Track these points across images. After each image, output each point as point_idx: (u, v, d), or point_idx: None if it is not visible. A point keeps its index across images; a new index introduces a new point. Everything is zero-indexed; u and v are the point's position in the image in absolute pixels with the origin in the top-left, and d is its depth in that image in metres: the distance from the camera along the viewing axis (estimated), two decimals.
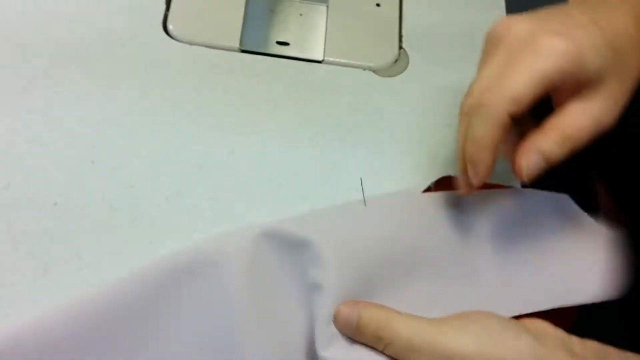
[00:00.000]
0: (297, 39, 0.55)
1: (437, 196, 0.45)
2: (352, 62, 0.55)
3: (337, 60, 0.55)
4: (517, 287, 0.43)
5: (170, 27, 0.54)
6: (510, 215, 0.46)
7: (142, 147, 0.48)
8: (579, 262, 0.45)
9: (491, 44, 0.39)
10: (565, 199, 0.49)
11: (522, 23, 0.37)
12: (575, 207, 0.49)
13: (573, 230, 0.47)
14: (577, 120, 0.37)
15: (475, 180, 0.39)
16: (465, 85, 0.53)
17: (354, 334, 0.37)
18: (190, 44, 0.53)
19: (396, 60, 0.56)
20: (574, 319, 0.43)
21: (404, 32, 0.58)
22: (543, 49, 0.36)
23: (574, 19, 0.37)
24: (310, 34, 0.56)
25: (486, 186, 0.47)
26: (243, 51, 0.54)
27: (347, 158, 0.49)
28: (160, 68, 0.52)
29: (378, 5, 0.58)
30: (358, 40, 0.56)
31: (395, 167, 0.50)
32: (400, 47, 0.57)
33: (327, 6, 0.57)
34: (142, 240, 0.44)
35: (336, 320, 0.38)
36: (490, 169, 0.38)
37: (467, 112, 0.39)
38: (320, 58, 0.55)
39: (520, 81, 0.35)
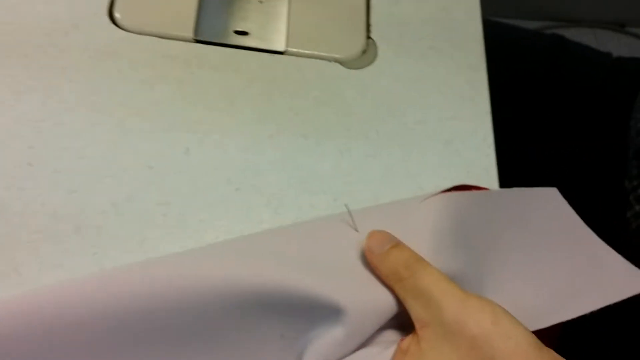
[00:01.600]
0: (257, 28, 0.51)
1: (431, 204, 0.41)
2: (316, 53, 0.51)
3: (301, 51, 0.51)
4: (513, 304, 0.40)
5: (117, 15, 0.49)
6: (501, 220, 0.43)
7: (86, 148, 0.43)
8: (572, 272, 0.43)
9: None
10: (553, 194, 0.47)
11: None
12: (564, 204, 0.46)
13: (563, 232, 0.44)
14: None
15: None
16: (437, 77, 0.50)
17: (383, 255, 0.35)
18: (140, 33, 0.49)
19: (364, 51, 0.52)
20: (557, 335, 0.41)
21: (372, 21, 0.54)
22: None
23: None
24: (271, 22, 0.52)
25: (465, 188, 0.44)
26: (198, 41, 0.50)
27: (312, 156, 0.46)
28: (107, 60, 0.47)
29: None
30: (323, 30, 0.53)
31: (364, 165, 0.46)
32: (368, 37, 0.53)
33: None
34: (87, 251, 0.40)
35: (372, 236, 0.36)
36: None
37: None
38: (282, 49, 0.51)
39: None
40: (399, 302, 0.35)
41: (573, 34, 1.63)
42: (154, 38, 0.49)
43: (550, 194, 0.46)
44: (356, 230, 0.40)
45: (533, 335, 0.32)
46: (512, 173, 0.52)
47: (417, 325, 0.33)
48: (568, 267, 0.42)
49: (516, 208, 0.43)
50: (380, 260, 0.35)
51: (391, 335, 0.36)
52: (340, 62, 0.51)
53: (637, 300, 0.41)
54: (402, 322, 0.36)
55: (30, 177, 0.42)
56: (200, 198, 0.43)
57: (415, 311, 0.33)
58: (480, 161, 0.48)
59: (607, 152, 0.68)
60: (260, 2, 0.53)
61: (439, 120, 0.49)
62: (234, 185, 0.44)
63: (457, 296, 0.32)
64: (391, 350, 0.34)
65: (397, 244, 0.36)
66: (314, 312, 0.35)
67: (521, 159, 0.69)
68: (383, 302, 0.35)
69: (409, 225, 0.39)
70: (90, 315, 0.33)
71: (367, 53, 0.52)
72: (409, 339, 0.34)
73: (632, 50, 1.66)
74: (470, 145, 0.48)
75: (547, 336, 0.38)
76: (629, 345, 0.60)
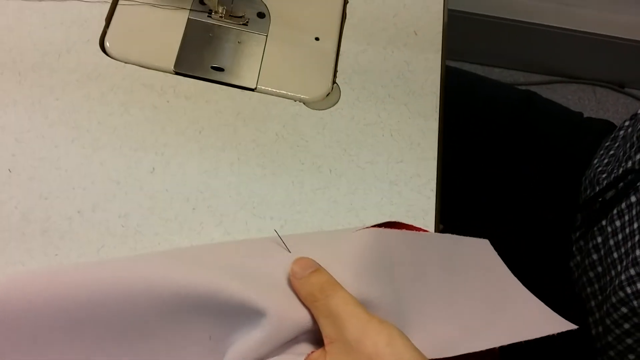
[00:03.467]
0: (232, 65, 0.57)
1: (364, 235, 0.45)
2: (284, 92, 0.56)
3: (270, 89, 0.56)
4: (438, 331, 0.44)
5: (107, 44, 0.55)
6: (428, 262, 0.47)
7: (61, 159, 0.48)
8: (487, 308, 0.46)
9: None
10: (484, 245, 0.50)
11: None
12: (494, 254, 0.50)
13: (487, 277, 0.48)
14: None
15: None
16: (391, 123, 0.54)
17: (304, 279, 0.39)
18: (125, 62, 0.54)
19: (328, 94, 0.57)
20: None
21: (339, 67, 0.59)
22: None
23: None
24: (246, 61, 0.57)
25: (398, 225, 0.48)
26: (177, 73, 0.55)
27: (267, 185, 0.50)
28: (92, 83, 0.52)
29: (317, 39, 0.60)
30: (293, 72, 0.58)
31: (313, 197, 0.51)
32: (334, 82, 0.58)
33: (267, 36, 0.59)
34: (49, 252, 0.44)
35: (297, 261, 0.40)
36: None
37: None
38: (253, 86, 0.56)
39: None
40: (314, 319, 0.39)
41: (573, 89, 1.68)
42: (137, 67, 0.54)
43: (482, 245, 0.50)
44: (288, 251, 0.44)
45: (425, 358, 0.35)
46: (459, 215, 0.56)
47: (325, 341, 0.37)
48: (484, 303, 0.46)
49: (445, 252, 0.47)
50: (301, 283, 0.39)
51: (305, 347, 0.40)
52: (305, 103, 0.56)
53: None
54: (317, 338, 0.40)
55: (8, 181, 0.46)
56: (158, 213, 0.47)
57: (325, 328, 0.37)
58: (420, 203, 0.52)
59: (558, 204, 0.72)
60: (239, 42, 0.58)
61: (387, 162, 0.54)
62: (191, 204, 0.48)
63: (360, 318, 0.36)
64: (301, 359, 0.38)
65: (318, 270, 0.40)
66: (239, 315, 0.39)
67: (472, 202, 0.73)
68: (300, 315, 0.39)
69: (338, 252, 0.43)
70: (33, 305, 0.38)
71: (331, 96, 0.57)
72: (317, 352, 0.38)
73: (630, 109, 1.70)
74: (412, 187, 0.53)
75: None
76: None
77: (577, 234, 0.67)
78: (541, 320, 0.46)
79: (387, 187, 0.52)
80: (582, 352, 0.64)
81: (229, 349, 0.40)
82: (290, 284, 0.40)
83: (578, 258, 0.66)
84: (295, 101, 0.56)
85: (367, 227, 0.45)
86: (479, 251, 0.50)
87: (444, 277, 0.47)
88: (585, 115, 0.81)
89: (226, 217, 0.48)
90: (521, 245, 0.69)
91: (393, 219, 0.50)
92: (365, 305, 0.41)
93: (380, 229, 0.45)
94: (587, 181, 0.69)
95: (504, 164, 0.75)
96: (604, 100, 1.72)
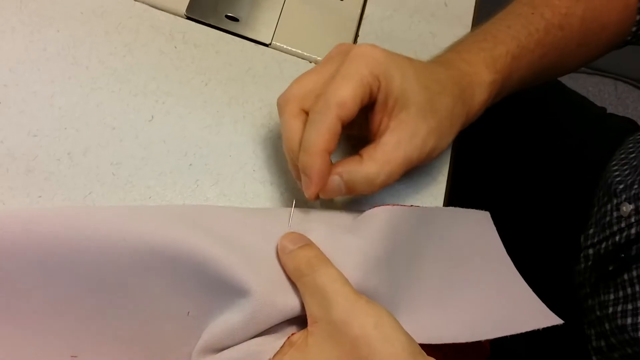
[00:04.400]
0: (248, 16, 0.53)
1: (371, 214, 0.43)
2: (299, 51, 0.53)
3: (285, 47, 0.53)
4: (428, 317, 0.42)
5: None
6: (426, 236, 0.44)
7: (56, 96, 0.45)
8: (481, 298, 0.44)
9: (329, 56, 0.42)
10: (485, 219, 0.48)
11: (365, 45, 0.40)
12: (492, 229, 0.48)
13: (484, 257, 0.46)
14: (387, 154, 0.40)
15: (310, 191, 0.39)
16: None
17: (292, 252, 0.37)
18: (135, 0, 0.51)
19: None
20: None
21: (361, 32, 0.56)
22: (360, 55, 0.39)
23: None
24: (263, 14, 0.54)
25: None
26: (189, 18, 0.52)
27: (270, 148, 0.47)
28: (96, 19, 0.49)
29: None
30: (312, 31, 0.54)
31: None
32: None
33: None
34: (33, 193, 0.42)
35: (286, 236, 0.38)
36: (323, 175, 0.39)
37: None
38: (267, 41, 0.52)
39: (343, 87, 0.38)
40: (302, 305, 0.36)
41: (595, 81, 1.64)
42: (147, 6, 0.51)
43: (482, 219, 0.48)
44: (288, 226, 0.41)
45: (414, 342, 0.33)
46: (467, 203, 0.53)
47: (309, 320, 0.35)
48: (477, 288, 0.44)
49: (444, 229, 0.45)
50: (288, 257, 0.37)
51: (288, 328, 0.37)
52: None
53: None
54: (302, 319, 0.37)
55: None
56: (152, 165, 0.45)
57: (310, 307, 0.35)
58: (430, 186, 0.49)
59: (572, 202, 0.69)
60: None
61: None
62: (188, 160, 0.46)
63: (348, 297, 0.34)
64: (282, 342, 0.35)
65: (307, 245, 0.37)
66: (223, 292, 0.37)
67: (482, 190, 0.70)
68: (287, 301, 0.36)
69: (340, 233, 0.40)
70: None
71: None
72: (299, 333, 0.35)
73: None
74: (424, 169, 0.50)
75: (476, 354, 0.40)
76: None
77: (588, 242, 0.64)
78: (532, 312, 0.44)
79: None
80: (574, 350, 0.62)
81: (206, 330, 0.37)
82: (279, 260, 0.38)
83: (582, 265, 0.64)
84: (310, 62, 0.53)
85: (374, 207, 0.42)
86: (479, 227, 0.47)
87: (440, 257, 0.44)
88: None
89: (223, 178, 0.45)
90: (527, 239, 0.66)
91: (401, 200, 0.47)
92: (362, 293, 0.38)
93: (388, 206, 0.42)
94: (604, 187, 0.65)
95: (520, 153, 0.71)
96: (625, 96, 1.68)
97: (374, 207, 0.42)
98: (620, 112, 1.59)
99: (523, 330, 0.40)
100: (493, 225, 0.48)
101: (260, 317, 0.35)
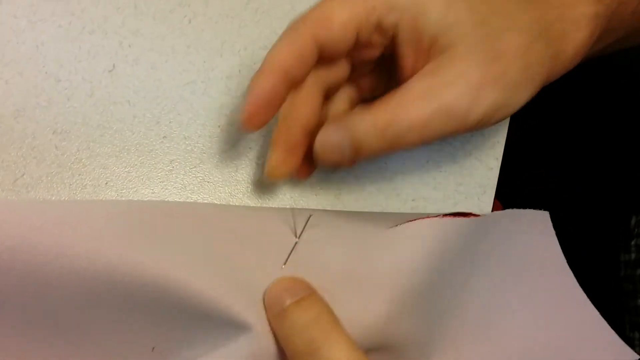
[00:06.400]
0: None
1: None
2: None
3: None
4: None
5: None
6: (480, 251, 0.34)
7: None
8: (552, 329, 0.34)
9: None
10: (543, 221, 0.37)
11: None
12: (550, 235, 0.37)
13: (543, 270, 0.36)
14: (416, 107, 0.27)
15: (242, 117, 0.29)
16: None
17: (285, 313, 0.26)
18: None
19: None
20: None
21: None
22: None
23: None
24: None
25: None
26: None
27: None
28: None
29: None
30: None
31: None
32: None
33: None
34: None
35: (278, 282, 0.27)
36: (268, 100, 0.28)
37: None
38: None
39: (334, 3, 0.29)
40: None
41: None
42: None
43: (540, 219, 0.37)
44: (295, 236, 0.30)
45: None
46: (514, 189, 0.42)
47: None
48: (536, 323, 0.34)
49: (498, 240, 0.34)
50: (279, 319, 0.26)
51: None
52: None
53: None
54: None
55: None
56: (111, 136, 0.33)
57: None
58: (478, 174, 0.38)
59: (625, 185, 0.58)
60: None
61: None
62: (161, 130, 0.34)
63: None
64: None
65: (307, 298, 0.26)
66: (204, 324, 0.27)
67: (530, 172, 0.59)
68: None
69: (364, 253, 0.30)
70: None
71: None
72: None
73: None
74: (470, 151, 0.38)
75: None
76: None
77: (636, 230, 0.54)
78: (601, 345, 0.35)
79: (435, 146, 0.37)
80: None
81: None
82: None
83: (633, 256, 0.54)
84: None
85: (410, 221, 0.31)
86: (537, 236, 0.37)
87: (491, 281, 0.34)
88: None
89: (210, 158, 0.33)
90: (571, 217, 0.56)
91: (437, 190, 0.36)
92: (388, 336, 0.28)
93: (426, 220, 0.31)
94: None
95: (573, 129, 0.60)
96: None
97: (408, 221, 0.31)
98: None
99: None
100: (552, 231, 0.37)
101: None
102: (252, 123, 0.28)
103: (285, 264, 0.29)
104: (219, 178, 0.33)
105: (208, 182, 0.33)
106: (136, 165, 0.32)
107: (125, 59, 0.34)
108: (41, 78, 0.32)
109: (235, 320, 0.27)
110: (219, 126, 0.34)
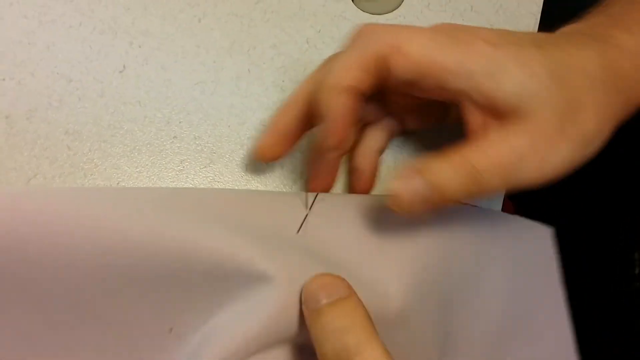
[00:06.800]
0: None
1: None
2: None
3: None
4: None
5: None
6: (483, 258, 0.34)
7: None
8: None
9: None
10: (545, 237, 0.37)
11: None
12: (550, 254, 0.37)
13: (537, 293, 0.35)
14: (494, 150, 0.27)
15: (329, 141, 0.29)
16: None
17: (322, 311, 0.25)
18: None
19: None
20: None
21: None
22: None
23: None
24: None
25: None
26: None
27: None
28: None
29: None
30: None
31: None
32: None
33: None
34: None
35: (317, 277, 0.26)
36: (346, 120, 0.28)
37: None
38: None
39: (353, 55, 0.28)
40: None
41: None
42: None
43: (543, 235, 0.37)
44: (306, 208, 0.30)
45: None
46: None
47: None
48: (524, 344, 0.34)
49: (505, 244, 0.34)
50: (316, 317, 0.25)
51: None
52: (353, 0, 0.39)
53: None
54: None
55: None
56: (122, 136, 0.33)
57: None
58: None
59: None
60: None
61: None
62: (172, 130, 0.34)
63: None
64: None
65: (344, 299, 0.26)
66: (224, 287, 0.27)
67: None
68: None
69: (386, 224, 0.30)
70: None
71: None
72: None
73: None
74: None
75: None
76: None
77: None
78: None
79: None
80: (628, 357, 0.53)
81: (201, 349, 0.27)
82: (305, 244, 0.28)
83: None
84: None
85: None
86: (538, 253, 0.36)
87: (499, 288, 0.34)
88: None
89: (219, 158, 0.34)
90: (588, 224, 0.55)
91: None
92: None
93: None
94: None
95: None
96: None
97: None
98: None
99: None
100: (553, 249, 0.37)
101: (281, 316, 0.26)
102: (337, 148, 0.29)
103: (298, 232, 0.29)
104: (229, 178, 0.33)
105: (218, 182, 0.33)
106: (147, 165, 0.32)
107: (136, 59, 0.34)
108: (53, 79, 0.33)
109: (255, 272, 0.26)
110: (228, 125, 0.34)
